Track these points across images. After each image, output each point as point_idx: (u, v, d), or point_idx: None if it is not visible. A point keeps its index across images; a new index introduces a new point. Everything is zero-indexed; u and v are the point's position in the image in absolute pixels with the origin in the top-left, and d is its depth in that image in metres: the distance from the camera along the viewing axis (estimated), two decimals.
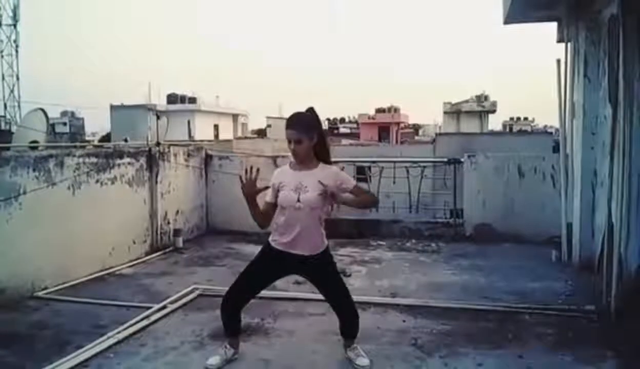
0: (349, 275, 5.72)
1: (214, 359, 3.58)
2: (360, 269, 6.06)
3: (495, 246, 6.99)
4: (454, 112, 39.46)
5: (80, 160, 5.90)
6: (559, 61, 6.49)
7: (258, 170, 3.50)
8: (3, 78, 33.52)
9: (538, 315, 4.49)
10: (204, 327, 4.28)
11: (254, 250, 6.85)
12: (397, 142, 36.29)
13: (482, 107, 39.28)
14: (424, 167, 8.51)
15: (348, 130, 45.70)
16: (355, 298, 3.99)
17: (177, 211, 7.62)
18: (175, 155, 7.66)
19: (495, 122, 43.31)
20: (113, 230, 6.28)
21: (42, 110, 12.09)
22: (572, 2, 6.12)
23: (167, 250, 7.08)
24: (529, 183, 7.37)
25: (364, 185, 10.02)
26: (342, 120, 52.53)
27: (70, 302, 4.92)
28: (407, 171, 8.34)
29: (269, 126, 33.14)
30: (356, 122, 47.39)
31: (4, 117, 31.93)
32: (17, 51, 33.67)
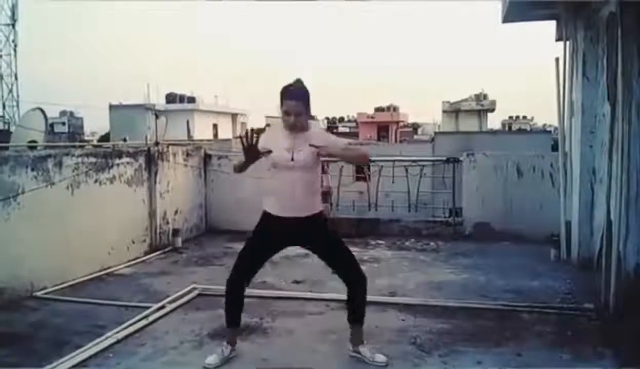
0: None
1: (212, 359, 3.58)
2: None
3: (495, 245, 7.00)
4: (453, 110, 39.45)
5: (79, 159, 5.90)
6: (557, 59, 6.51)
7: (258, 131, 3.61)
8: (1, 78, 33.46)
9: (537, 314, 4.50)
10: (202, 326, 4.28)
11: None
12: (396, 140, 36.30)
13: (481, 106, 39.27)
14: (423, 166, 8.52)
15: (347, 129, 45.74)
16: None
17: (176, 211, 7.62)
18: (174, 154, 7.66)
19: (494, 121, 43.30)
20: (112, 230, 6.28)
21: (41, 109, 12.11)
22: (570, 1, 6.12)
23: (166, 249, 7.08)
24: (527, 181, 7.37)
25: (363, 184, 10.04)
26: (341, 119, 52.53)
27: (69, 302, 4.92)
28: (406, 170, 8.34)
29: (268, 125, 33.11)
30: (355, 121, 47.38)
31: (3, 116, 31.94)
32: (15, 51, 33.60)
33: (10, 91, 33.48)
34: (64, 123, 34.70)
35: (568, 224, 6.32)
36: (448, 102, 40.34)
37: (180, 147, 8.29)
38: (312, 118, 3.67)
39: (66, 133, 32.96)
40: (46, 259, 5.29)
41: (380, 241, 7.44)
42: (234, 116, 40.28)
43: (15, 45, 33.60)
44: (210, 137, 31.48)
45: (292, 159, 3.43)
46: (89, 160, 6.02)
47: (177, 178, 7.67)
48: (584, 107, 5.98)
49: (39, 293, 5.11)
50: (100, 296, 5.06)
